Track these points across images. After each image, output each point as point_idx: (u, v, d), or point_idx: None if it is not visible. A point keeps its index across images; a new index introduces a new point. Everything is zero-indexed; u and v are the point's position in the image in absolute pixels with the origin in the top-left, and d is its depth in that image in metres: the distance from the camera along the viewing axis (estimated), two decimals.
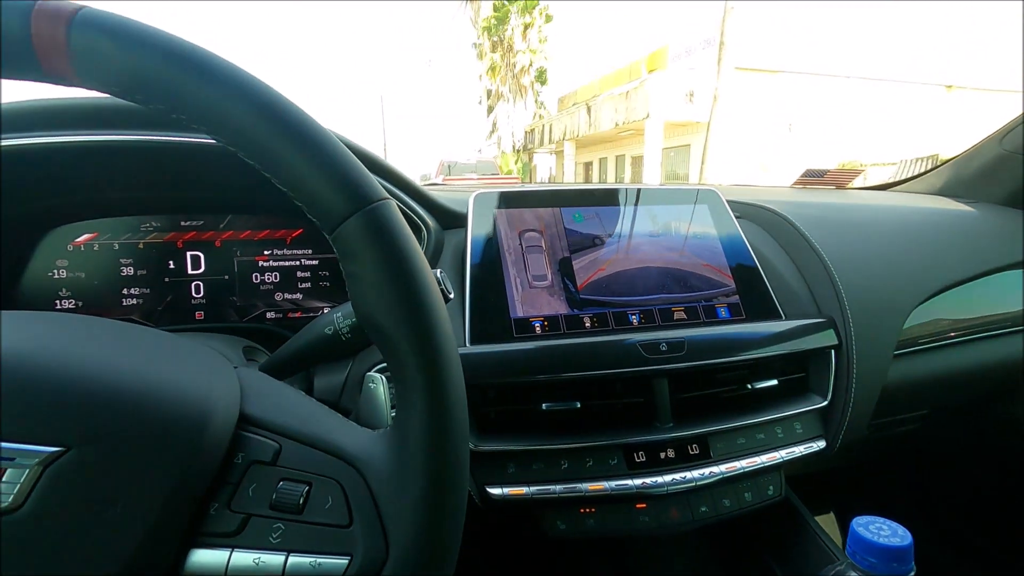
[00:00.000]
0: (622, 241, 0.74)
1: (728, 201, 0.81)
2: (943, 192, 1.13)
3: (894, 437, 0.92)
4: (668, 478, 0.62)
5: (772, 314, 0.72)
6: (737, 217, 0.81)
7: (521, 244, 0.71)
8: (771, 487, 0.69)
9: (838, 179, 1.25)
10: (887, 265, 0.78)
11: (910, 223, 0.89)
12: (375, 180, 0.32)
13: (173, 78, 0.28)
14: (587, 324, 0.67)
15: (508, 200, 0.74)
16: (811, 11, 11.75)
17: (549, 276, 0.70)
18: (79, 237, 0.66)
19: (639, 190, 0.78)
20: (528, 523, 0.64)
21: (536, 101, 22.11)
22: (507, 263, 0.69)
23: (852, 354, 0.70)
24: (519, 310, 0.67)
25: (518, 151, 21.57)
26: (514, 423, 0.62)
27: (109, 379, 0.30)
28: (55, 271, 0.65)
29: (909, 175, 1.24)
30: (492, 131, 22.38)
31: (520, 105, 21.76)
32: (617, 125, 13.23)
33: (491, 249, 0.70)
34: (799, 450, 0.68)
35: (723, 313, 0.71)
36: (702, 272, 0.74)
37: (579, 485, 0.60)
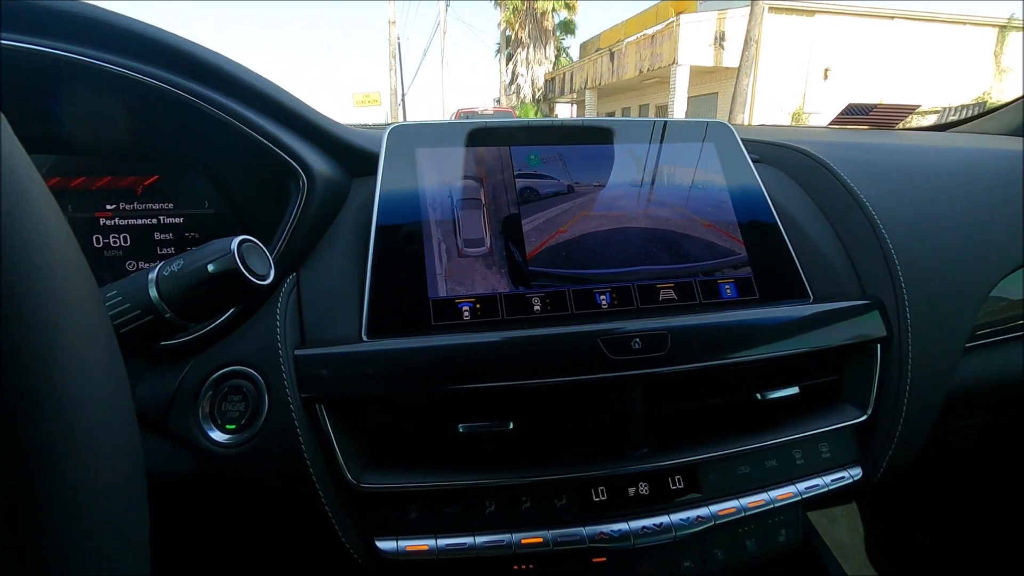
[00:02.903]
0: (592, 193, 0.54)
1: (745, 140, 0.61)
2: None
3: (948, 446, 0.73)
4: (637, 525, 0.44)
5: (796, 293, 0.53)
6: (756, 161, 0.61)
7: (451, 196, 0.52)
8: (783, 531, 0.51)
9: (887, 117, 1.01)
10: (959, 227, 0.57)
11: (985, 171, 0.67)
12: None
13: None
14: (536, 306, 0.49)
15: (438, 136, 0.54)
16: None
17: (488, 240, 0.51)
18: None
19: (618, 123, 0.58)
20: None
21: (558, 47, 21.13)
22: (430, 223, 0.51)
23: (907, 349, 0.50)
24: (442, 288, 0.48)
25: (538, 100, 20.80)
26: (420, 450, 0.45)
27: None
28: None
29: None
30: (512, 80, 21.53)
31: (541, 53, 20.82)
32: (641, 72, 12.53)
33: (409, 203, 0.51)
34: (824, 481, 0.50)
35: (728, 292, 0.52)
36: (702, 235, 0.54)
37: (507, 536, 0.43)
